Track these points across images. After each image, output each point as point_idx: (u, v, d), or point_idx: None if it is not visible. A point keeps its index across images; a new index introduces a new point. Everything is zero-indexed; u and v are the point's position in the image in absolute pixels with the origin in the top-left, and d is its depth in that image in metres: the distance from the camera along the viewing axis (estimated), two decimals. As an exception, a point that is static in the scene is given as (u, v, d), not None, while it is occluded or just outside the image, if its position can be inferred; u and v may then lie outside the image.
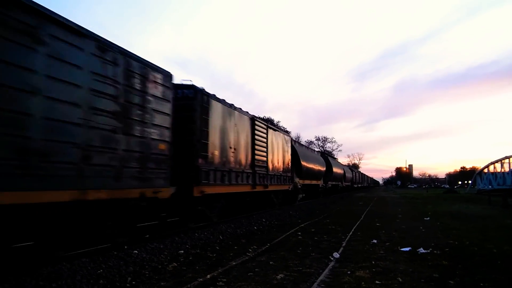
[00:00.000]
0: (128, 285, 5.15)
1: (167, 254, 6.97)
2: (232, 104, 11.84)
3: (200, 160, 9.52)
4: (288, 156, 18.58)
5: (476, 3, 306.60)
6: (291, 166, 18.90)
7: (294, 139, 26.47)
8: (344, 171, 42.86)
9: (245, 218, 12.74)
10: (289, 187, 18.52)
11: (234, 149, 11.65)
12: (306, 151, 26.74)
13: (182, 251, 7.34)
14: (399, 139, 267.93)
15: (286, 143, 18.45)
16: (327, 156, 35.16)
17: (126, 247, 7.06)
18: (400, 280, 5.43)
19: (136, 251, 6.73)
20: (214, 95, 10.56)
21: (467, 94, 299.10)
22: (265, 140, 14.73)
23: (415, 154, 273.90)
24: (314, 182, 25.88)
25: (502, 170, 44.80)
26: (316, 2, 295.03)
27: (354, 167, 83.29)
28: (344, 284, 5.20)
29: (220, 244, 8.41)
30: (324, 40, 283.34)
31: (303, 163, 21.67)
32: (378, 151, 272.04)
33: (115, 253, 6.48)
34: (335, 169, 34.81)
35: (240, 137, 12.23)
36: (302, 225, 11.97)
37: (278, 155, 16.76)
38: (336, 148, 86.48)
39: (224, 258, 6.88)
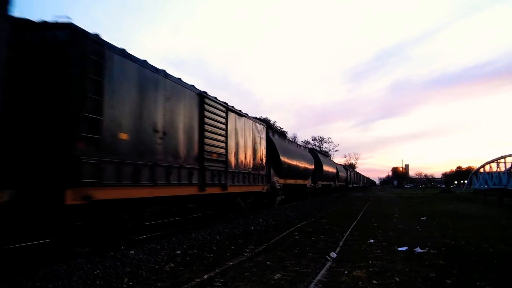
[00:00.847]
0: (125, 285, 5.13)
1: (164, 255, 6.95)
2: (163, 70, 8.23)
3: (81, 145, 5.81)
4: (262, 150, 15.03)
5: (472, 4, 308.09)
6: (266, 163, 15.48)
7: (272, 129, 21.91)
8: (337, 170, 39.33)
9: (242, 219, 12.72)
10: (263, 188, 14.91)
11: (164, 133, 8.02)
12: (288, 145, 22.27)
13: (179, 252, 7.32)
14: (395, 139, 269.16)
15: (259, 133, 14.73)
16: (316, 153, 31.50)
17: (122, 247, 7.03)
18: (397, 279, 5.44)
19: (133, 252, 6.71)
20: (123, 50, 6.94)
21: (463, 94, 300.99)
22: (223, 126, 11.07)
23: (411, 154, 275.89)
24: (299, 182, 22.70)
25: (498, 170, 44.81)
26: (312, 2, 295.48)
27: (350, 167, 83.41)
28: (341, 284, 5.20)
29: (217, 244, 8.40)
30: (320, 40, 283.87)
31: (284, 159, 18.34)
32: (375, 151, 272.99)
33: (112, 253, 6.45)
34: (326, 168, 31.55)
35: (176, 117, 8.62)
36: (299, 225, 11.97)
37: (246, 147, 13.00)
38: (333, 148, 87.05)
39: (221, 258, 6.87)
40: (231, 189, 11.58)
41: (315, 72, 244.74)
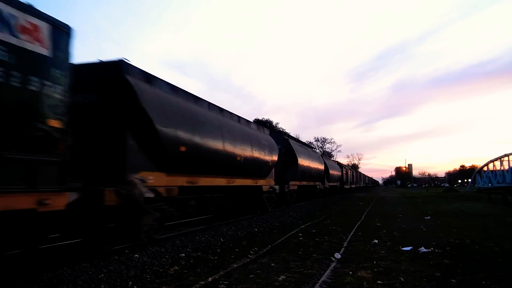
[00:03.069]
0: (129, 289, 5.14)
1: (168, 258, 6.95)
2: None
3: None
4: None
5: (474, 2, 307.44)
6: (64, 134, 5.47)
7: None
8: (325, 167, 29.26)
9: (245, 221, 12.71)
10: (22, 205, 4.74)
11: None
12: (193, 107, 10.06)
13: (183, 254, 7.32)
14: (398, 139, 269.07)
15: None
16: (287, 139, 20.81)
17: (127, 251, 7.04)
18: (402, 279, 5.42)
19: (137, 255, 6.71)
20: None
21: (466, 92, 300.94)
22: None
23: (415, 154, 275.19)
24: (242, 182, 12.59)
25: (502, 168, 44.95)
26: (314, 3, 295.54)
27: (353, 167, 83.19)
28: (346, 284, 5.18)
29: (221, 246, 8.40)
30: (322, 41, 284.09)
31: (168, 131, 8.19)
32: (378, 151, 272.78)
33: (116, 257, 6.46)
34: (304, 161, 21.32)
35: None
36: (302, 226, 11.95)
37: None
38: (336, 149, 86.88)
39: (225, 260, 6.86)
40: None
41: (317, 73, 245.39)
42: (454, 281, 5.36)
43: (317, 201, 26.30)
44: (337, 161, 49.67)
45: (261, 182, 14.67)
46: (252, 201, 14.64)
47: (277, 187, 16.63)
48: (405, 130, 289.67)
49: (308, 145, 30.15)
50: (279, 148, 17.11)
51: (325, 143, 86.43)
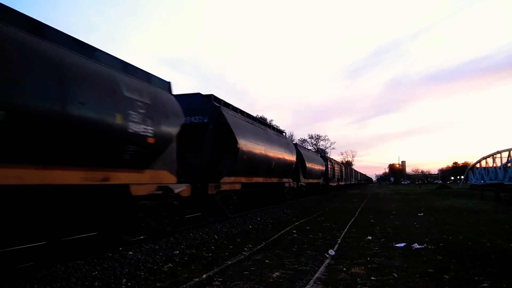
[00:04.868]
0: (123, 286, 5.12)
1: (163, 255, 6.94)
2: None
3: None
4: None
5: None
6: None
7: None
8: (301, 158, 22.71)
9: (239, 217, 12.71)
10: None
11: None
12: None
13: (178, 252, 7.31)
14: (392, 136, 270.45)
15: None
16: (219, 107, 11.90)
17: (121, 248, 7.01)
18: (396, 275, 5.45)
19: (131, 252, 6.69)
20: None
21: (459, 89, 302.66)
22: None
23: (408, 151, 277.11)
24: (33, 176, 5.02)
25: (494, 165, 45.29)
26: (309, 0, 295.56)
27: (347, 164, 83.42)
28: (340, 281, 5.21)
29: (215, 243, 8.40)
30: (317, 38, 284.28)
31: None
32: (371, 148, 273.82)
33: (110, 254, 6.43)
34: (255, 147, 13.59)
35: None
36: (297, 223, 11.99)
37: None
38: (330, 146, 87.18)
39: (220, 257, 6.86)
40: None
41: (312, 70, 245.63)
42: (447, 277, 5.40)
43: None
44: (320, 153, 41.96)
45: (126, 177, 7.01)
46: (112, 219, 7.51)
47: (183, 187, 9.10)
48: (398, 127, 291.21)
49: (267, 124, 19.32)
50: (204, 121, 11.53)
51: (319, 140, 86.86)
